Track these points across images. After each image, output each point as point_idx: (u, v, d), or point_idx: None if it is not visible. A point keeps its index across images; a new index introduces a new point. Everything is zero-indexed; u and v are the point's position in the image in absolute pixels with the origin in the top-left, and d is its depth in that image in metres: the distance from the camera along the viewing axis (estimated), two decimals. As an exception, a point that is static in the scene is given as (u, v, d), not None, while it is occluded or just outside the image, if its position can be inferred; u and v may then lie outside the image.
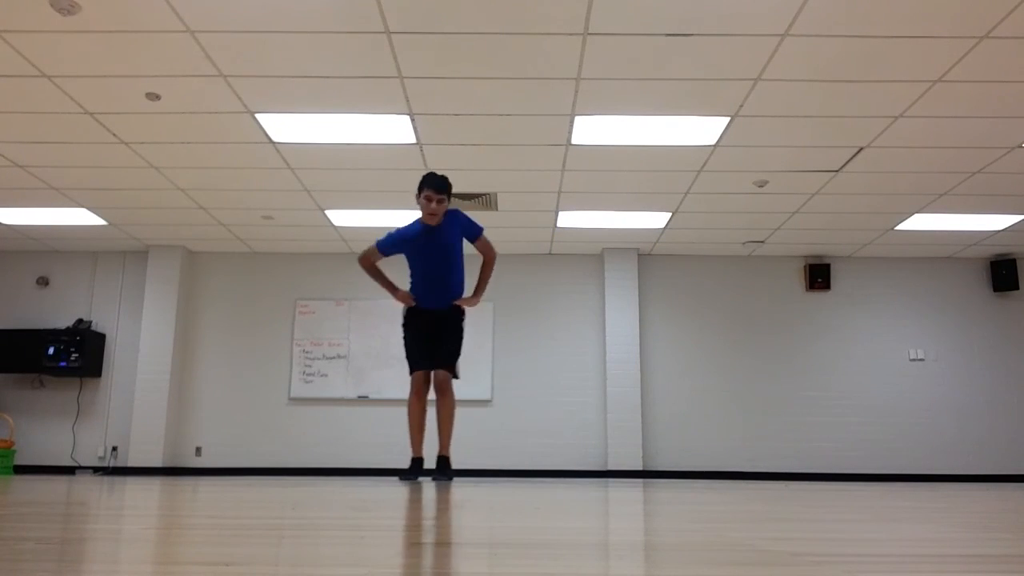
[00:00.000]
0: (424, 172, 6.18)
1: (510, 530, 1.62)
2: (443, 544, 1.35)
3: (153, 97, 4.99)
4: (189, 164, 6.09)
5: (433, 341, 4.70)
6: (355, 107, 5.11)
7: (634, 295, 8.29)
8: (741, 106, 5.05)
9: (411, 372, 4.71)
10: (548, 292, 8.45)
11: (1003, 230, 7.50)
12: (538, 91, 4.88)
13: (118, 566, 1.07)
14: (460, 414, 8.21)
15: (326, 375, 8.25)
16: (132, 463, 7.89)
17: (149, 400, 7.99)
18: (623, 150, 5.76)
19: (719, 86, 4.79)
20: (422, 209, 4.59)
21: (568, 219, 7.35)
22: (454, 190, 6.61)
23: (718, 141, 5.59)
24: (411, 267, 4.75)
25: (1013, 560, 1.19)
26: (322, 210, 7.15)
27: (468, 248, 5.16)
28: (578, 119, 5.25)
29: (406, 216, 7.28)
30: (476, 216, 7.27)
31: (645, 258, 8.52)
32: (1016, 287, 8.24)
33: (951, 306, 8.44)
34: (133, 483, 4.36)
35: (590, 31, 4.20)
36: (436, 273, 4.68)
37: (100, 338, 8.28)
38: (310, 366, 8.27)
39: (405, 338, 4.80)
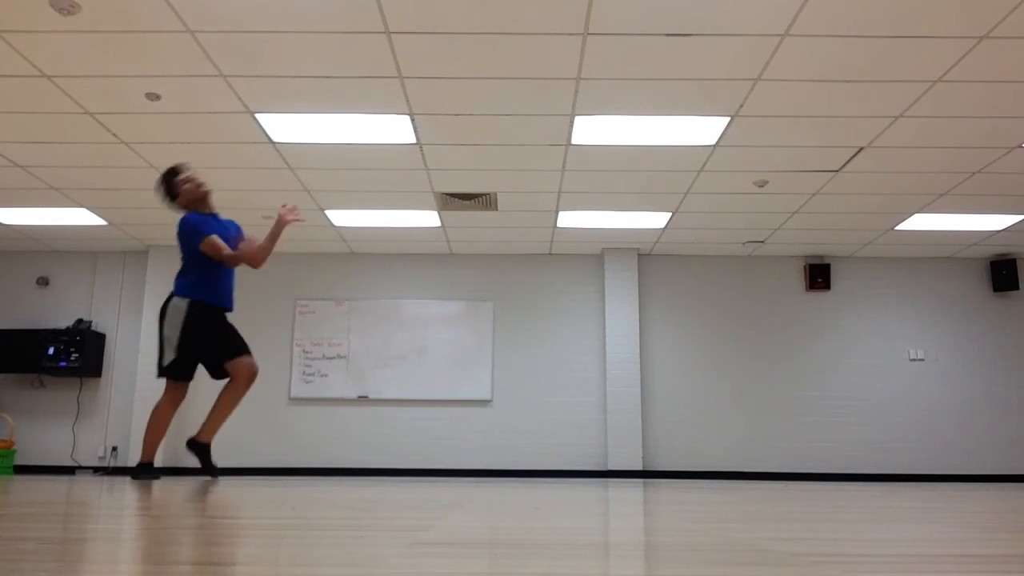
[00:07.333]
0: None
1: (510, 530, 1.62)
2: (444, 544, 1.35)
3: (153, 97, 4.99)
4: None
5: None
6: (355, 107, 5.11)
7: (634, 295, 8.29)
8: (741, 106, 5.05)
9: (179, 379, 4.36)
10: (548, 292, 8.45)
11: (1003, 230, 7.50)
12: (538, 91, 4.87)
13: (118, 566, 1.07)
14: (461, 414, 8.23)
15: (326, 375, 8.25)
16: (132, 463, 7.89)
17: (149, 400, 7.98)
18: (623, 150, 5.76)
19: (719, 86, 4.79)
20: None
21: (568, 219, 7.35)
22: (454, 190, 6.62)
23: (718, 141, 5.59)
24: (204, 261, 4.45)
25: (1013, 560, 1.19)
26: (322, 210, 7.15)
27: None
28: (578, 119, 5.25)
29: (406, 216, 7.28)
30: (476, 216, 7.27)
31: (645, 258, 8.52)
32: (1016, 287, 8.24)
33: (951, 306, 8.44)
34: (133, 483, 4.36)
35: (590, 31, 4.20)
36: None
37: (100, 338, 8.28)
38: (310, 366, 8.27)
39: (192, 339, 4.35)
